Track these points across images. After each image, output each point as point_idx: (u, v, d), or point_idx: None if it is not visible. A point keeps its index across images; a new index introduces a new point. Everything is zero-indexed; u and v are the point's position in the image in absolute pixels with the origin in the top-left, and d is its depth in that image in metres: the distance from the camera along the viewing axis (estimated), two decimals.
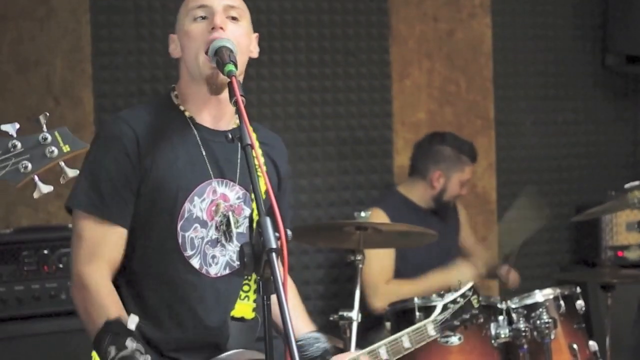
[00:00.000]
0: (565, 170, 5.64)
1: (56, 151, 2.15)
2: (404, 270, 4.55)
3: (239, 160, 2.69)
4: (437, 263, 4.56)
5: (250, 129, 2.27)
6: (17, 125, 2.11)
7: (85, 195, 2.60)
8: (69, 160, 2.17)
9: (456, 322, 3.10)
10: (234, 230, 2.68)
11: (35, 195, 2.12)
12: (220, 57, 2.49)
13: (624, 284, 4.49)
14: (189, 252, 2.65)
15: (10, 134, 2.10)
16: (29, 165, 2.11)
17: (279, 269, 2.11)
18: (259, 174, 2.25)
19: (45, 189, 2.12)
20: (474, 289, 3.21)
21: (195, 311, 2.67)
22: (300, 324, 2.84)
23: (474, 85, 5.40)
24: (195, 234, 2.65)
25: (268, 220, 2.16)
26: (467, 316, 3.14)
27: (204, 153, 2.66)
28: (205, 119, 2.69)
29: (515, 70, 5.54)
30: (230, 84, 2.36)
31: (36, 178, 2.12)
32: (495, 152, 5.44)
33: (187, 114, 2.69)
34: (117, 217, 2.60)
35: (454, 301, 3.11)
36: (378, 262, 4.45)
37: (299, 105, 4.97)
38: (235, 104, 2.31)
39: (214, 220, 2.66)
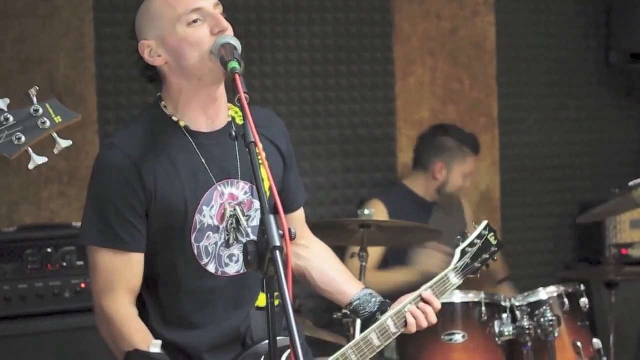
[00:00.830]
0: (569, 168, 5.64)
1: (48, 122, 2.15)
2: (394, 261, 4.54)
3: (238, 155, 2.66)
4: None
5: (253, 125, 2.26)
6: (8, 101, 2.12)
7: (95, 229, 2.58)
8: (61, 131, 2.17)
9: (477, 264, 3.01)
10: (247, 226, 2.66)
11: (31, 166, 2.13)
12: (225, 53, 2.46)
13: (628, 282, 4.49)
14: (204, 260, 2.63)
15: (1, 108, 2.11)
16: (23, 137, 2.11)
17: (283, 267, 2.10)
18: (262, 170, 2.24)
19: (40, 160, 2.12)
20: (489, 227, 3.12)
21: (217, 312, 2.66)
22: (351, 286, 2.87)
23: (478, 83, 5.39)
24: (208, 242, 2.63)
25: (272, 218, 2.16)
26: (487, 255, 3.06)
27: (203, 160, 2.62)
28: (201, 125, 2.64)
29: (518, 68, 5.53)
30: (234, 82, 2.34)
31: (30, 150, 2.13)
32: (499, 150, 5.44)
33: (181, 123, 2.62)
34: (130, 244, 2.58)
35: (471, 244, 3.03)
36: (372, 259, 4.44)
37: (302, 104, 4.97)
38: (239, 101, 2.30)
39: (224, 222, 2.65)
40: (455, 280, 2.96)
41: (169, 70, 2.59)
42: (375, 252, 4.46)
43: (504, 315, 3.85)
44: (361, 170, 5.10)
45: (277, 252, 2.13)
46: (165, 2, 2.54)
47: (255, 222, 2.68)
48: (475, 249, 3.01)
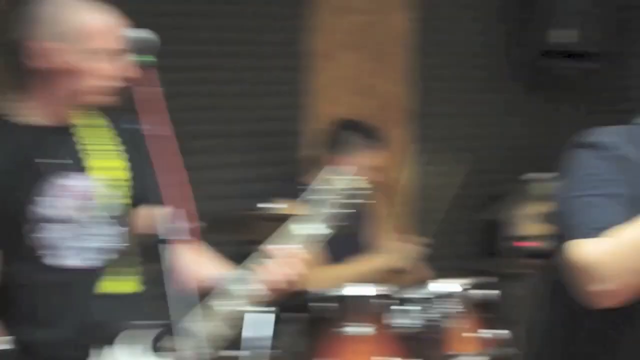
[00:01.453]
0: (480, 161, 5.70)
1: None
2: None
3: (79, 149, 2.70)
4: (345, 255, 4.58)
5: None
6: None
7: None
8: None
9: (338, 209, 2.77)
10: (95, 217, 2.68)
11: None
12: None
13: (531, 274, 4.56)
14: (44, 252, 2.65)
15: None
16: None
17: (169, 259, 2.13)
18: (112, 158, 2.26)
19: None
20: (342, 172, 2.88)
21: (58, 308, 2.67)
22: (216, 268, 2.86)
23: (393, 78, 5.44)
24: (50, 234, 2.65)
25: (159, 211, 2.18)
26: (345, 200, 2.80)
27: (34, 153, 2.65)
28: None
29: (434, 63, 5.58)
30: None
31: None
32: (415, 144, 5.48)
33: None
34: None
35: (325, 192, 2.77)
36: None
37: (212, 97, 4.96)
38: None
39: (71, 213, 2.66)
40: (325, 230, 2.78)
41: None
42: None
43: (407, 308, 3.89)
44: (268, 165, 5.10)
45: (163, 245, 2.15)
46: None
47: (104, 214, 2.70)
48: (327, 195, 2.78)
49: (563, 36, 5.43)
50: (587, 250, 2.09)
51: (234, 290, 2.69)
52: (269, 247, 2.77)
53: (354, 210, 2.83)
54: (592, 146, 2.23)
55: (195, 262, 2.83)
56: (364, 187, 2.85)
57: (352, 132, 4.70)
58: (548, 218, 2.31)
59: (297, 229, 2.78)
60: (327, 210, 2.78)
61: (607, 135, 2.26)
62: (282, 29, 5.14)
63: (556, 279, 2.32)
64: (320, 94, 5.21)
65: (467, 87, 5.70)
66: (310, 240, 2.76)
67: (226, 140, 5.00)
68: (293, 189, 4.71)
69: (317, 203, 2.78)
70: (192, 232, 2.46)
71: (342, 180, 2.83)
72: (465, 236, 5.70)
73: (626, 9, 5.57)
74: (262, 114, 5.09)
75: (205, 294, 2.64)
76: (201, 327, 2.54)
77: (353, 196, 2.82)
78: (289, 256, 2.75)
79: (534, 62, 5.62)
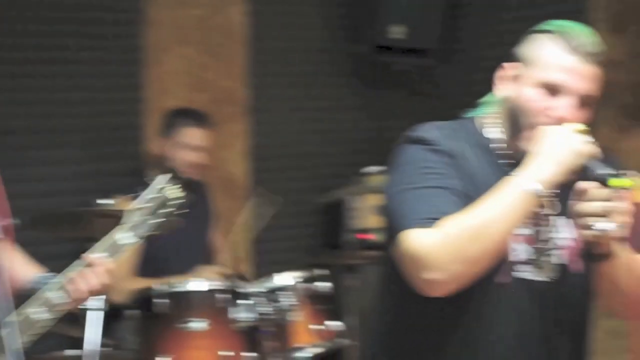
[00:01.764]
0: (317, 156, 5.76)
1: None
2: (147, 265, 4.50)
3: None
4: (185, 256, 4.55)
5: None
6: None
7: None
8: None
9: (159, 218, 2.74)
10: None
11: None
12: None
13: (368, 265, 4.64)
14: None
15: None
16: None
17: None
18: None
19: None
20: (170, 179, 2.83)
21: None
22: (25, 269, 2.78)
23: (228, 72, 5.43)
24: None
25: None
26: (168, 209, 2.77)
27: None
28: None
29: (269, 58, 5.60)
30: None
31: None
32: (249, 139, 5.49)
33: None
34: None
35: (146, 200, 2.74)
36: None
37: (49, 91, 4.85)
38: None
39: None
40: (131, 239, 2.73)
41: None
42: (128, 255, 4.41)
43: (244, 302, 3.90)
44: (109, 160, 5.02)
45: None
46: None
47: None
48: (151, 204, 2.74)
49: (397, 32, 5.52)
50: (418, 240, 2.14)
51: (42, 296, 2.62)
52: (87, 254, 2.72)
53: (177, 218, 2.81)
54: (419, 141, 2.30)
55: (12, 262, 2.70)
56: (181, 199, 2.82)
57: (180, 116, 4.70)
58: (380, 210, 2.36)
59: (114, 236, 2.73)
60: (146, 219, 2.75)
61: (432, 130, 2.33)
62: (120, 22, 5.06)
63: (389, 270, 2.37)
64: (157, 87, 5.16)
65: (303, 81, 5.73)
66: (121, 248, 2.72)
67: (65, 135, 4.89)
68: (135, 183, 4.69)
69: (140, 212, 2.75)
70: (6, 231, 2.38)
71: (167, 190, 2.79)
72: (307, 229, 5.73)
73: (457, 6, 5.72)
74: (102, 109, 5.00)
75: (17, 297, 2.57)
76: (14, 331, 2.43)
77: (174, 207, 2.80)
78: (96, 265, 2.70)
79: (370, 57, 5.69)
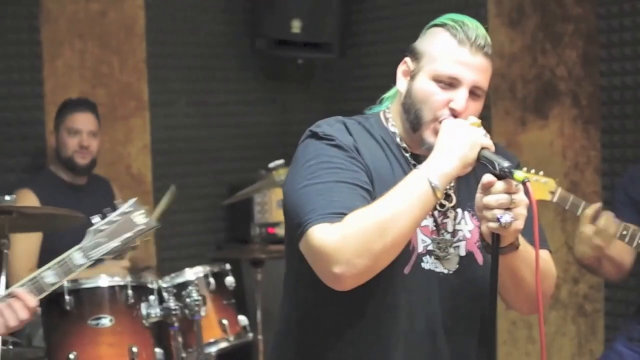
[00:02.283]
0: (219, 150, 5.75)
1: None
2: (47, 255, 4.42)
3: None
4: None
5: None
6: None
7: None
8: None
9: (116, 243, 2.77)
10: None
11: None
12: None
13: (274, 259, 4.65)
14: None
15: None
16: None
17: None
18: None
19: None
20: (136, 204, 2.84)
21: None
22: None
23: (128, 67, 5.37)
24: None
25: None
26: (130, 234, 2.79)
27: None
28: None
29: (168, 52, 5.56)
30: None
31: None
32: (150, 134, 5.44)
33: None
34: None
35: (109, 222, 2.77)
36: (23, 248, 4.31)
37: None
38: None
39: None
40: (81, 260, 2.75)
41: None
42: (32, 247, 4.33)
43: (151, 297, 3.89)
44: (8, 155, 4.93)
45: None
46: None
47: None
48: (112, 227, 2.77)
49: (295, 26, 5.53)
50: (324, 236, 2.14)
51: None
52: (19, 290, 2.70)
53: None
54: (319, 136, 2.32)
55: None
56: (145, 226, 2.83)
57: (66, 105, 4.68)
58: (282, 205, 2.35)
59: (68, 255, 2.74)
60: (103, 242, 2.77)
61: (333, 125, 2.35)
62: (19, 15, 4.95)
63: (292, 264, 2.38)
64: (56, 82, 5.08)
65: (204, 75, 5.71)
66: (73, 269, 2.74)
67: None
68: (38, 179, 4.62)
69: (100, 234, 2.76)
70: None
71: (132, 215, 2.80)
72: (213, 223, 5.70)
73: (355, 1, 5.76)
74: (3, 104, 4.89)
75: None
76: None
77: (136, 233, 2.81)
78: (20, 299, 2.69)
79: (270, 51, 5.68)
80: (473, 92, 2.31)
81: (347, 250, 2.12)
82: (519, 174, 2.13)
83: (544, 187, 3.66)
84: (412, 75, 2.36)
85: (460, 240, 2.37)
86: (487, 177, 2.16)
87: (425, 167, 2.20)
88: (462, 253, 2.37)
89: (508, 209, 2.14)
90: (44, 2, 5.05)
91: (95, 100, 5.01)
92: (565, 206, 3.66)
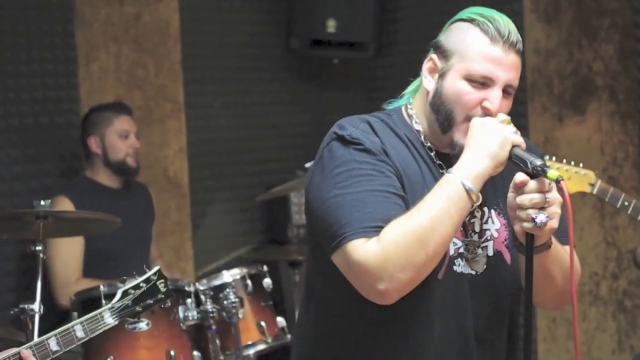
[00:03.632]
0: (255, 151, 5.74)
1: None
2: (91, 260, 4.45)
3: None
4: (130, 248, 4.49)
5: None
6: None
7: None
8: None
9: (138, 308, 2.98)
10: None
11: None
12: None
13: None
14: None
15: None
16: None
17: None
18: None
19: None
20: (160, 273, 3.08)
21: None
22: None
23: (163, 69, 5.37)
24: None
25: None
26: (151, 301, 3.02)
27: None
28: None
29: (203, 54, 5.57)
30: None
31: None
32: (186, 136, 5.45)
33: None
34: None
35: (136, 287, 2.98)
36: (67, 258, 4.34)
37: None
38: None
39: None
40: (110, 320, 2.92)
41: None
42: (75, 257, 4.35)
43: (188, 300, 3.89)
44: (44, 160, 4.94)
45: None
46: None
47: None
48: (139, 292, 2.99)
49: (330, 26, 5.52)
50: (364, 252, 2.10)
51: None
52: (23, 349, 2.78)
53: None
54: (345, 140, 2.25)
55: None
56: (164, 295, 3.06)
57: (92, 113, 4.70)
58: (308, 212, 2.29)
59: (99, 313, 2.92)
60: (129, 304, 2.98)
61: (358, 126, 2.28)
62: (54, 20, 4.97)
63: (320, 269, 2.33)
64: (91, 86, 5.09)
65: (239, 77, 5.71)
66: (100, 326, 2.92)
67: (5, 135, 4.79)
68: (73, 186, 4.64)
69: (128, 297, 2.98)
70: None
71: (156, 283, 3.04)
72: (250, 225, 5.70)
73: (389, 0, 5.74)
74: (39, 108, 4.91)
75: None
76: None
77: (156, 300, 3.04)
78: None
79: (305, 51, 5.68)
80: (505, 91, 2.27)
81: (390, 266, 2.09)
82: (553, 173, 2.08)
83: (583, 179, 3.62)
84: (441, 74, 2.30)
85: (488, 240, 2.34)
86: (520, 176, 2.12)
87: (458, 170, 2.16)
88: (490, 253, 2.33)
89: (542, 208, 2.10)
90: (78, 6, 5.06)
91: (131, 104, 5.04)
92: (605, 198, 3.62)
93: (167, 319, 3.82)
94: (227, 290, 3.93)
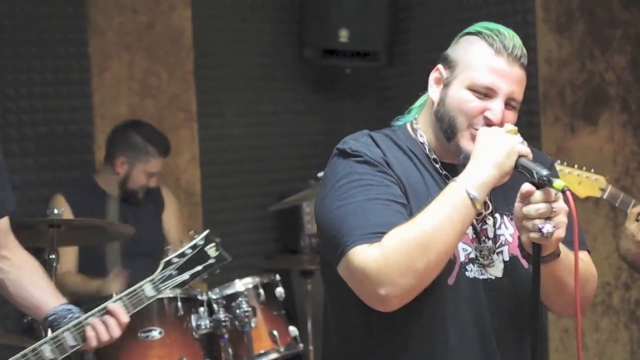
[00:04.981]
0: (268, 160, 5.75)
1: None
2: (90, 262, 4.46)
3: None
4: (132, 251, 4.49)
5: None
6: None
7: None
8: None
9: (186, 277, 2.81)
10: None
11: None
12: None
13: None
14: None
15: None
16: None
17: None
18: None
19: None
20: (209, 237, 2.89)
21: None
22: (48, 300, 2.79)
23: (175, 78, 5.39)
24: None
25: None
26: (200, 268, 2.83)
27: None
28: None
29: (216, 63, 5.58)
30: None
31: None
32: (198, 145, 5.46)
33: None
34: None
35: (181, 255, 2.81)
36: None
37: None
38: None
39: None
40: (152, 292, 2.80)
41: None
42: (68, 254, 4.36)
43: (201, 309, 3.90)
44: (58, 168, 4.96)
45: None
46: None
47: None
48: (184, 260, 2.82)
49: (343, 35, 5.53)
50: (365, 257, 2.11)
51: (58, 333, 2.68)
52: (114, 306, 2.77)
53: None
54: (347, 154, 2.27)
55: (38, 287, 2.81)
56: (216, 260, 2.88)
57: (136, 134, 4.65)
58: (317, 225, 2.31)
59: (142, 286, 2.80)
60: (176, 274, 2.81)
61: (360, 140, 2.30)
62: (67, 29, 4.99)
63: (332, 280, 2.33)
64: (104, 95, 5.11)
65: (251, 86, 5.72)
66: (145, 300, 2.82)
67: (18, 144, 4.81)
68: (72, 186, 4.65)
69: (173, 266, 2.81)
70: None
71: (205, 249, 2.86)
72: (263, 234, 5.70)
73: (402, 8, 5.74)
74: (53, 117, 4.93)
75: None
76: None
77: (207, 267, 2.87)
78: (116, 316, 2.77)
79: (317, 61, 5.69)
80: (508, 103, 2.28)
81: (390, 271, 2.09)
82: (558, 183, 2.08)
83: (594, 184, 3.62)
84: (445, 84, 2.32)
85: (503, 245, 2.34)
86: (526, 187, 2.12)
87: (463, 178, 2.17)
88: (506, 258, 2.34)
89: (548, 218, 2.10)
90: (91, 15, 5.09)
91: (144, 112, 5.06)
92: (616, 203, 3.61)
93: (179, 328, 3.83)
94: (240, 299, 3.94)
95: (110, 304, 2.75)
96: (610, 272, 4.83)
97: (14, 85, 4.83)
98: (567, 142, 4.96)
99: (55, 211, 3.58)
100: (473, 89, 2.27)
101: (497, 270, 2.32)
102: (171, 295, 3.84)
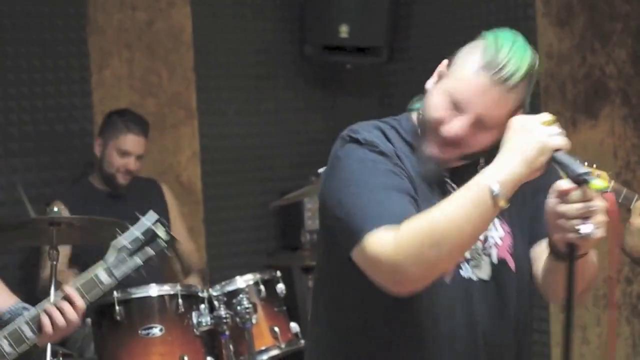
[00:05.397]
0: (269, 158, 5.74)
1: None
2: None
3: None
4: None
5: None
6: None
7: None
8: None
9: (138, 261, 2.73)
10: None
11: None
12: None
13: None
14: None
15: None
16: None
17: None
18: None
19: None
20: (160, 221, 2.81)
21: None
22: (3, 297, 2.81)
23: (176, 76, 5.39)
24: None
25: None
26: (151, 252, 2.76)
27: None
28: None
29: (216, 60, 5.57)
30: None
31: None
32: (199, 142, 5.46)
33: None
34: None
35: (132, 239, 2.74)
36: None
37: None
38: None
39: None
40: (107, 279, 2.73)
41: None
42: (63, 250, 4.36)
43: (202, 306, 3.89)
44: (58, 167, 4.96)
45: None
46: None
47: None
48: (136, 244, 2.76)
49: (343, 31, 5.52)
50: (381, 243, 2.07)
51: (13, 327, 2.64)
52: (70, 290, 2.71)
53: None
54: (361, 143, 2.22)
55: None
56: (166, 242, 2.81)
57: (114, 117, 4.69)
58: (324, 210, 2.27)
59: (93, 272, 2.73)
60: (127, 259, 2.75)
61: (371, 131, 2.25)
62: (67, 27, 4.99)
63: (331, 270, 2.32)
64: (104, 93, 5.11)
65: (252, 83, 5.71)
66: (98, 287, 2.73)
67: (18, 143, 4.81)
68: (69, 191, 4.65)
69: (123, 250, 2.74)
70: None
71: (155, 230, 2.78)
72: (264, 231, 5.70)
73: (404, 4, 5.72)
74: (53, 115, 4.93)
75: None
76: None
77: (158, 249, 2.80)
78: (72, 300, 2.71)
79: (318, 57, 5.68)
80: (480, 124, 2.16)
81: (401, 258, 2.04)
82: (598, 183, 1.96)
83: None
84: (439, 79, 2.25)
85: (491, 247, 2.29)
86: (564, 184, 2.00)
87: (489, 172, 2.06)
88: (495, 260, 2.29)
89: (586, 217, 1.98)
90: (91, 13, 5.08)
91: (144, 110, 5.04)
92: (619, 199, 3.60)
93: (180, 325, 3.82)
94: (241, 295, 3.92)
95: (63, 287, 2.71)
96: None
97: (15, 85, 4.83)
98: (568, 137, 4.85)
99: (55, 209, 3.57)
100: (447, 98, 2.18)
101: (484, 272, 2.28)
102: (172, 292, 3.84)
